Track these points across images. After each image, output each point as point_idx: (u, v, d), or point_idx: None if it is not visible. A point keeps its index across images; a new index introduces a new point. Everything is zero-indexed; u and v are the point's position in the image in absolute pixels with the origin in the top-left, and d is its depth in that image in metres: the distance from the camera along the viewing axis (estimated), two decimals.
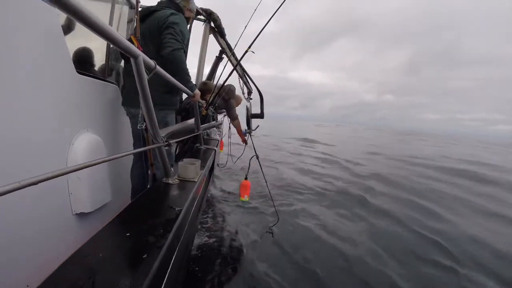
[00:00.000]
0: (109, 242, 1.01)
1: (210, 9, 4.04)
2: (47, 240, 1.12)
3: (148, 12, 2.12)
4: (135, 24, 2.01)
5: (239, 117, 4.02)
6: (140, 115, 1.76)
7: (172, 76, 2.03)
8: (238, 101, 4.15)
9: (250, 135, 3.91)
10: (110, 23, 2.18)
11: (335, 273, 2.54)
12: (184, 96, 2.91)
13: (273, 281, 2.35)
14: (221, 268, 2.43)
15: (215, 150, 3.51)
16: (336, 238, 3.25)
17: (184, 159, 2.06)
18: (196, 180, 1.88)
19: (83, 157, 1.28)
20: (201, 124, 2.81)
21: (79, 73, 1.36)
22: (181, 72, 2.09)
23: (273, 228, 3.37)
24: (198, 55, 4.78)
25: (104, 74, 2.15)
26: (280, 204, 4.30)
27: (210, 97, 3.13)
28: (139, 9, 2.20)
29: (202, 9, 3.98)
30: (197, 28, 4.38)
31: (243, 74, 4.26)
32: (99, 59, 2.10)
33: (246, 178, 3.47)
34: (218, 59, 5.19)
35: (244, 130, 3.97)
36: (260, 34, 2.79)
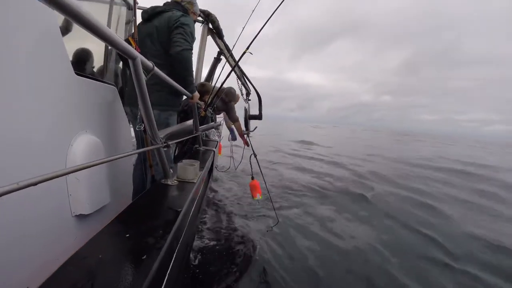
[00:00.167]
0: (108, 243, 1.01)
1: (208, 10, 4.05)
2: (46, 241, 1.12)
3: (155, 12, 2.11)
4: (133, 26, 2.01)
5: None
6: (138, 116, 1.76)
7: (177, 76, 2.05)
8: (236, 98, 4.16)
9: (248, 136, 3.92)
10: (108, 24, 2.18)
11: (338, 273, 2.55)
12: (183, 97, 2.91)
13: (273, 282, 2.35)
14: (221, 269, 2.42)
15: (214, 151, 3.51)
16: (337, 238, 3.26)
17: (183, 160, 2.06)
18: (195, 181, 1.88)
19: (82, 159, 1.28)
20: (200, 125, 2.81)
21: (77, 74, 1.35)
22: (186, 73, 2.10)
23: (273, 229, 3.37)
24: (196, 56, 4.78)
25: (102, 75, 2.15)
26: (279, 204, 4.32)
27: (209, 98, 3.14)
28: (141, 10, 2.20)
29: (200, 10, 3.98)
30: (195, 29, 4.37)
31: (241, 75, 4.26)
32: (97, 60, 2.10)
33: (252, 178, 3.54)
34: (217, 60, 5.19)
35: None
36: (258, 35, 2.80)
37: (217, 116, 4.83)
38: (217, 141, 4.72)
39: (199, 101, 2.47)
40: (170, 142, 1.69)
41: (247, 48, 2.79)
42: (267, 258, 2.69)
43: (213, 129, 5.11)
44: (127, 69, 2.45)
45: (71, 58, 1.61)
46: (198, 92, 2.38)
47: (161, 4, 2.19)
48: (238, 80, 4.17)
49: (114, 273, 0.82)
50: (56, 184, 1.14)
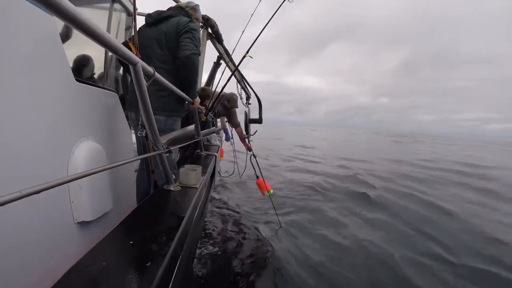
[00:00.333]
0: (112, 250, 0.99)
1: (207, 15, 4.07)
2: (49, 248, 1.11)
3: (161, 18, 2.11)
4: (132, 31, 2.01)
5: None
6: (140, 122, 1.75)
7: (183, 80, 2.06)
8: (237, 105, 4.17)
9: (248, 140, 3.93)
10: (108, 30, 2.18)
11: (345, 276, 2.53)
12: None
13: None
14: (224, 275, 2.40)
15: (215, 156, 3.50)
16: (343, 241, 3.23)
17: (185, 166, 2.05)
18: (197, 187, 1.87)
19: (83, 165, 1.27)
20: (201, 130, 2.81)
21: (78, 80, 1.35)
22: (192, 78, 2.11)
23: (277, 232, 3.35)
24: None
25: (103, 82, 2.14)
26: (281, 208, 4.31)
27: (210, 103, 3.13)
28: (140, 16, 2.19)
29: None
30: None
31: (241, 80, 4.27)
32: (97, 67, 2.10)
33: (257, 177, 3.59)
34: (216, 65, 5.21)
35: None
36: (257, 40, 2.81)
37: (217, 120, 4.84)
38: (219, 146, 4.72)
39: (200, 106, 2.46)
40: (172, 148, 1.69)
41: (247, 52, 2.79)
42: (269, 263, 2.67)
43: (214, 134, 5.11)
44: (127, 75, 2.45)
45: (71, 65, 1.61)
46: (199, 96, 2.38)
47: (159, 10, 2.19)
48: (238, 84, 4.18)
49: (118, 281, 0.81)
50: (58, 191, 1.13)
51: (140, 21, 2.14)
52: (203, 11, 2.67)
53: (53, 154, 1.16)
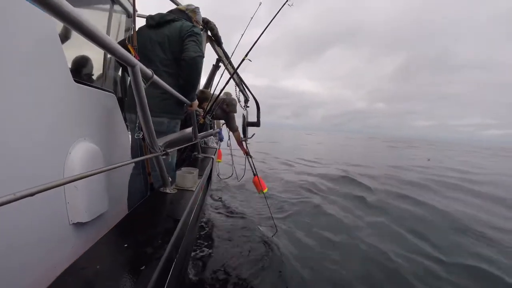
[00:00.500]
0: (106, 253, 0.99)
1: (207, 17, 4.08)
2: (44, 250, 1.10)
3: (164, 21, 2.10)
4: (131, 33, 2.00)
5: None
6: (137, 124, 1.74)
7: (185, 82, 2.07)
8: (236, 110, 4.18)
9: (246, 143, 3.93)
10: (108, 32, 2.18)
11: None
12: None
13: None
14: (220, 278, 2.39)
15: (212, 159, 3.50)
16: (340, 245, 3.24)
17: (182, 168, 2.05)
18: (194, 189, 1.86)
19: (80, 166, 1.27)
20: (199, 133, 2.80)
21: (76, 81, 1.35)
22: (195, 80, 2.12)
23: (272, 238, 3.34)
24: None
25: (101, 83, 2.14)
26: (278, 211, 4.31)
27: (208, 105, 3.13)
28: (140, 18, 2.19)
29: None
30: None
31: (240, 82, 4.28)
32: (96, 68, 2.10)
33: (254, 175, 3.59)
34: (215, 68, 5.21)
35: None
36: (256, 43, 2.82)
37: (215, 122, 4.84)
38: (216, 148, 4.71)
39: (198, 109, 2.47)
40: (169, 150, 1.68)
41: (246, 55, 2.80)
42: (266, 267, 2.66)
43: (212, 136, 5.11)
44: (126, 76, 2.45)
45: (70, 66, 1.61)
46: (198, 99, 2.38)
47: (161, 12, 2.19)
48: (237, 87, 4.18)
49: (112, 284, 0.80)
50: (53, 192, 1.13)
51: (140, 23, 2.14)
52: (203, 13, 2.67)
53: (49, 154, 1.16)
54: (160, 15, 2.13)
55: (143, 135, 1.54)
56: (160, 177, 1.76)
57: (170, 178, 1.84)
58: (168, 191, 1.75)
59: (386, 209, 4.83)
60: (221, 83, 3.19)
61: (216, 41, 4.21)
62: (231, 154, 4.76)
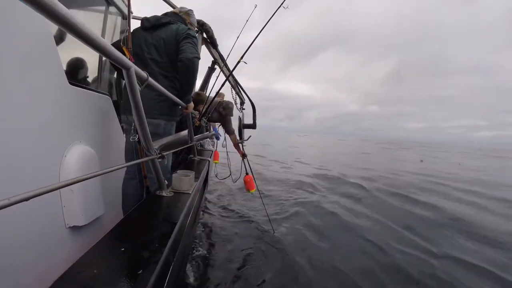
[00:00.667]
0: (103, 257, 0.97)
1: (202, 20, 4.07)
2: (39, 253, 1.09)
3: (160, 23, 2.09)
4: (126, 35, 1.99)
5: None
6: (132, 127, 1.72)
7: (182, 83, 2.08)
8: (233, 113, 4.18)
9: (242, 145, 3.92)
10: (103, 34, 2.16)
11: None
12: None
13: None
14: (217, 281, 2.38)
15: (208, 161, 3.48)
16: (336, 248, 3.24)
17: (178, 171, 2.03)
18: (190, 192, 1.85)
19: (76, 169, 1.25)
20: (195, 135, 2.79)
21: (71, 83, 1.33)
22: (191, 81, 2.12)
23: (269, 238, 3.34)
24: None
25: (96, 85, 2.12)
26: (273, 212, 4.32)
27: (203, 108, 3.12)
28: (135, 20, 2.18)
29: None
30: None
31: (235, 85, 4.28)
32: (91, 70, 2.08)
33: (247, 174, 3.67)
34: (211, 70, 5.20)
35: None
36: (251, 46, 2.82)
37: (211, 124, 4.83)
38: (212, 151, 4.69)
39: (193, 111, 2.46)
40: (164, 153, 1.67)
41: (241, 58, 2.80)
42: (263, 269, 2.65)
43: (208, 139, 5.08)
44: (122, 79, 2.43)
45: (65, 68, 1.59)
46: (193, 101, 2.37)
47: (156, 15, 2.18)
48: (232, 89, 4.18)
49: None
50: (50, 196, 1.12)
51: (135, 25, 2.13)
52: (198, 16, 2.67)
53: (45, 157, 1.14)
54: (155, 17, 2.12)
55: (138, 138, 1.52)
56: (156, 180, 1.74)
57: (166, 181, 1.82)
58: (164, 194, 1.73)
59: (380, 206, 4.94)
60: (217, 85, 3.19)
61: (211, 43, 4.21)
62: (227, 158, 4.75)
